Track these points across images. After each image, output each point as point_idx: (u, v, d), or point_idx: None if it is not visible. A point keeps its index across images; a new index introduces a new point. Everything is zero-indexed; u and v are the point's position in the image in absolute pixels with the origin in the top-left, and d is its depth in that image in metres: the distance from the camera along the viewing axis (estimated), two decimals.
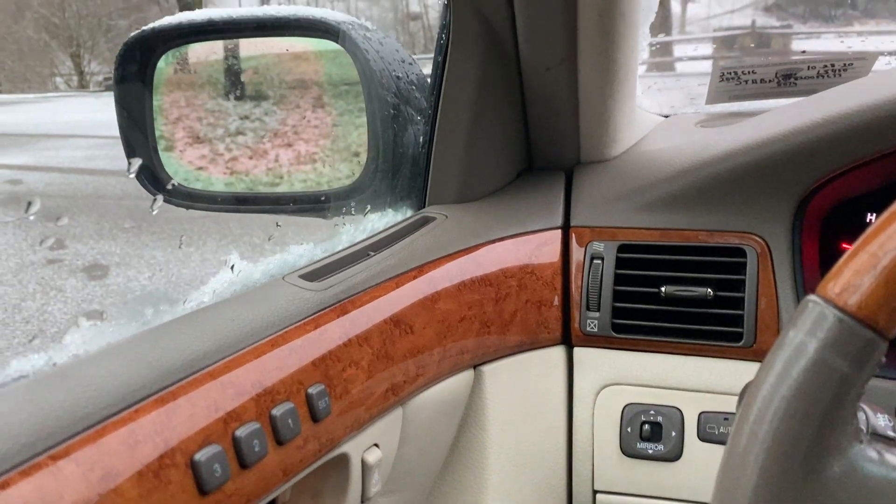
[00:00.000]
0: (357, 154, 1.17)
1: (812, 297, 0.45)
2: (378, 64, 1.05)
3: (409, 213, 1.05)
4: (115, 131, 1.12)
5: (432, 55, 1.02)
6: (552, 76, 0.94)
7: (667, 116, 1.29)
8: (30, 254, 6.71)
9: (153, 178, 1.16)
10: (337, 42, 1.05)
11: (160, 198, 0.88)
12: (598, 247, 0.96)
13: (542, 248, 0.97)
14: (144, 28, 1.08)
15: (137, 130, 1.14)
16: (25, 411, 0.49)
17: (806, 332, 0.44)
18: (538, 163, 1.08)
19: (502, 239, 0.95)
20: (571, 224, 0.99)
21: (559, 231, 0.98)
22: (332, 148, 1.20)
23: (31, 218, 0.65)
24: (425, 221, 0.96)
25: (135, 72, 1.11)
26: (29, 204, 0.69)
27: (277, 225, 0.97)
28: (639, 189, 0.97)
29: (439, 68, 0.97)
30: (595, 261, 0.95)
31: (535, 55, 0.93)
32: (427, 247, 0.89)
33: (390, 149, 1.05)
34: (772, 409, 0.45)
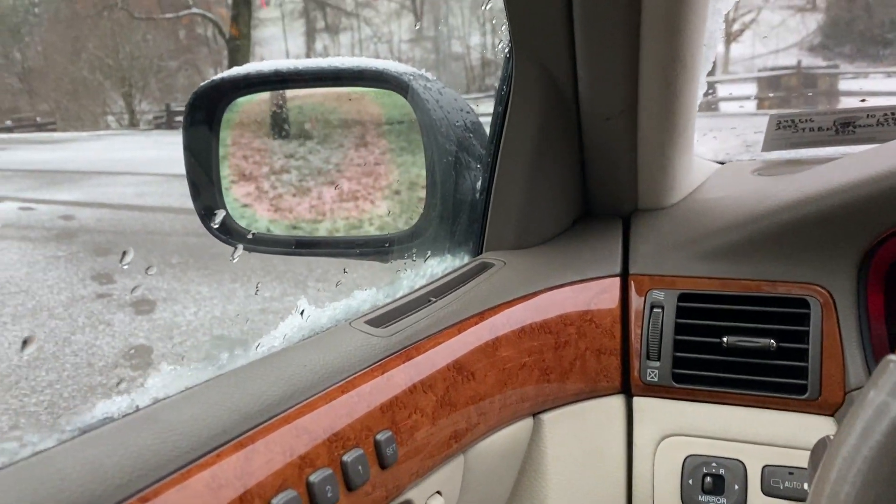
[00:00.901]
0: (398, 192, 1.19)
1: (893, 357, 0.44)
2: (437, 113, 1.07)
3: (467, 258, 1.06)
4: (165, 169, 1.17)
5: (475, 95, 1.04)
6: (612, 126, 0.96)
7: (722, 163, 1.29)
8: (80, 288, 6.90)
9: (221, 224, 1.20)
10: (398, 92, 1.09)
11: (240, 248, 0.90)
12: (657, 295, 0.96)
13: (601, 295, 0.97)
14: (214, 78, 1.12)
15: (203, 174, 1.18)
16: (117, 454, 0.51)
17: (888, 392, 0.44)
18: (595, 209, 1.09)
19: (561, 286, 0.95)
20: (630, 272, 0.99)
21: (618, 279, 0.99)
22: (375, 186, 1.22)
23: (125, 267, 0.68)
24: (484, 267, 0.97)
25: (203, 118, 1.15)
26: (124, 254, 0.72)
27: (345, 271, 0.99)
28: (699, 238, 0.97)
29: (499, 118, 0.99)
30: (655, 309, 0.95)
31: (596, 106, 0.95)
32: (487, 293, 0.90)
33: (449, 195, 1.07)
34: (853, 471, 0.44)
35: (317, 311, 0.81)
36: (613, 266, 1.00)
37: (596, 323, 0.96)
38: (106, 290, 6.72)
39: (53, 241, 8.86)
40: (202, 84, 1.13)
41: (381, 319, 0.80)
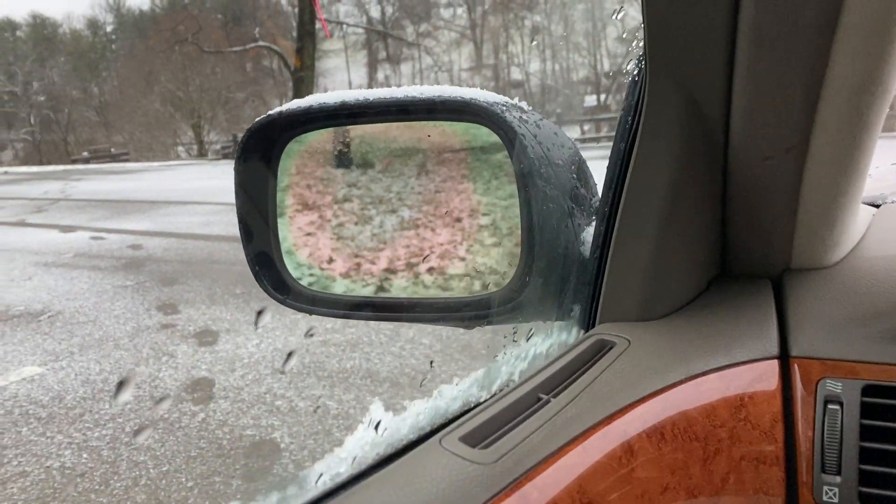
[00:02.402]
0: (458, 219, 0.99)
1: None
2: (535, 150, 0.88)
3: (575, 332, 0.86)
4: (230, 198, 1.01)
5: None
6: (771, 167, 0.74)
7: (875, 205, 1.06)
8: (145, 318, 6.95)
9: (275, 276, 1.03)
10: (488, 125, 0.90)
11: (312, 331, 0.73)
12: (833, 386, 0.73)
13: (755, 384, 0.75)
14: (271, 112, 0.96)
15: (258, 216, 1.02)
16: None
17: None
18: (735, 268, 0.87)
19: (705, 373, 0.74)
20: (791, 353, 0.76)
21: (776, 362, 0.76)
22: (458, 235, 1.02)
23: (259, 330, 0.50)
24: (601, 347, 0.76)
25: (257, 161, 0.98)
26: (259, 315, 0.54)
27: (431, 364, 0.80)
28: (887, 309, 0.74)
29: (622, 156, 0.79)
30: (830, 405, 0.72)
31: (754, 142, 0.74)
32: (612, 387, 0.69)
33: (554, 251, 0.87)
34: None
35: (394, 418, 0.61)
36: (769, 345, 0.77)
37: (751, 422, 0.73)
38: (170, 321, 6.74)
39: (122, 270, 9.00)
40: (258, 119, 0.96)
41: (481, 434, 0.59)
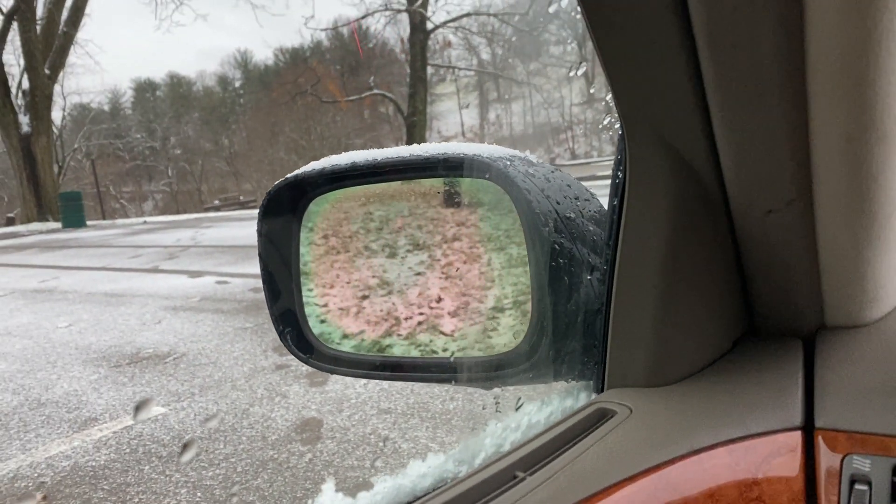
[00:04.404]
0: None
1: None
2: (543, 205, 0.85)
3: (583, 397, 0.81)
4: None
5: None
6: (775, 220, 0.68)
7: None
8: (262, 359, 7.23)
9: (298, 334, 1.04)
10: (492, 181, 0.87)
11: None
12: (860, 464, 0.64)
13: (772, 460, 0.67)
14: (288, 176, 0.98)
15: (284, 268, 1.04)
16: None
17: None
18: (765, 327, 0.79)
19: (712, 447, 0.67)
20: (817, 424, 0.68)
21: (799, 433, 0.68)
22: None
23: None
24: (601, 417, 0.71)
25: (279, 223, 1.01)
26: None
27: (384, 442, 0.77)
28: None
29: (616, 213, 0.74)
30: (857, 485, 0.64)
31: (749, 197, 0.67)
32: (599, 464, 0.64)
33: (566, 307, 0.83)
34: None
35: (345, 498, 0.59)
36: (791, 415, 0.69)
37: None
38: (284, 362, 6.98)
39: (243, 312, 9.44)
40: (275, 184, 0.99)
41: None
